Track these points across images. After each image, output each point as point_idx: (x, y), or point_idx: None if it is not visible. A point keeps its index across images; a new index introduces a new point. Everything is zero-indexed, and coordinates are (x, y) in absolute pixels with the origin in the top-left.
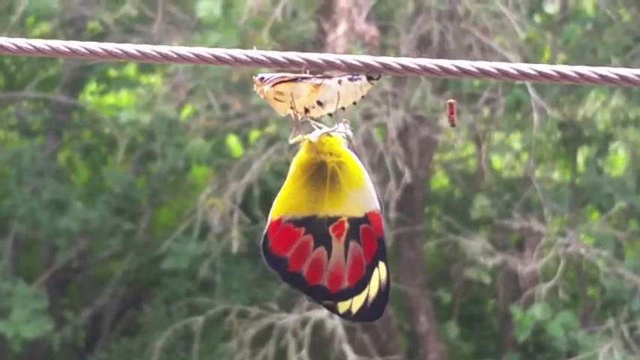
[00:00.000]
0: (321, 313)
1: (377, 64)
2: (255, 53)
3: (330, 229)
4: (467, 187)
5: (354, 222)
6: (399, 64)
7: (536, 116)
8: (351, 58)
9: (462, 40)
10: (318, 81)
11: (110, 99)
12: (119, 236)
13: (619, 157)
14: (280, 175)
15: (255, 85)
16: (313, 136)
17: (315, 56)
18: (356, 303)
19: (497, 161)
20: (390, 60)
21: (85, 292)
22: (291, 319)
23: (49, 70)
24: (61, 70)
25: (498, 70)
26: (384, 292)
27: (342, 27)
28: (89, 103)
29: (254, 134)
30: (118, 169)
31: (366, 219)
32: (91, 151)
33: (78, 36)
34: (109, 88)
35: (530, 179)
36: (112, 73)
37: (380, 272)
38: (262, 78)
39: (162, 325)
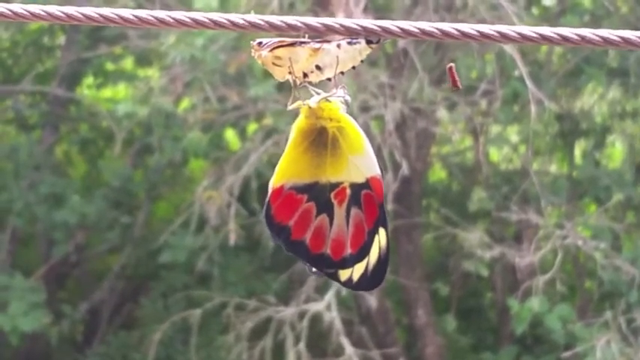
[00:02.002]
0: (319, 305)
1: (376, 28)
2: (253, 17)
3: (332, 195)
4: (464, 180)
5: (356, 188)
6: (399, 28)
7: (533, 108)
8: (350, 22)
9: None
10: (317, 45)
11: (107, 92)
12: (117, 230)
13: (616, 150)
14: None
15: (253, 50)
16: (312, 102)
17: (313, 20)
18: (357, 271)
19: (495, 154)
20: (389, 23)
21: (83, 285)
22: (288, 312)
23: (46, 63)
24: (58, 63)
25: (499, 32)
26: (384, 259)
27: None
28: (86, 97)
29: (251, 127)
30: (116, 163)
31: (367, 184)
32: (88, 144)
33: (75, 28)
34: (106, 81)
35: (528, 171)
36: (110, 66)
37: (380, 239)
38: (260, 43)
39: (160, 318)
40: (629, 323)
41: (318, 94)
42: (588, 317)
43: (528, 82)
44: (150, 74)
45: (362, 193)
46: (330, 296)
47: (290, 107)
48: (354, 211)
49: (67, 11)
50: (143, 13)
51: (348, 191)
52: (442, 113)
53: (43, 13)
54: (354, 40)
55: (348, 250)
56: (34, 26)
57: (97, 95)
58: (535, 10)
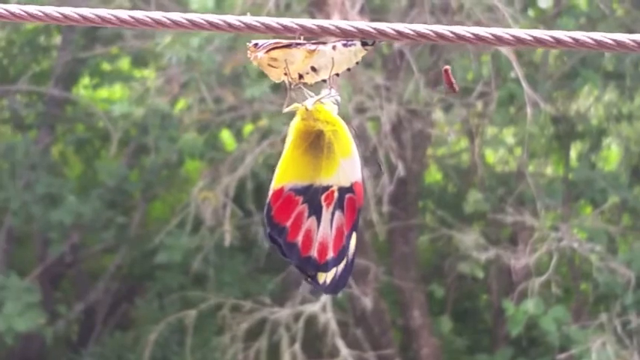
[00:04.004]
0: (314, 307)
1: (371, 30)
2: (249, 19)
3: (322, 198)
4: (460, 182)
5: (342, 191)
6: (394, 30)
7: (529, 110)
8: (345, 24)
9: None
10: (312, 47)
11: (104, 93)
12: (112, 230)
13: (612, 152)
14: (273, 169)
15: (249, 52)
16: (309, 104)
17: (309, 22)
18: (330, 274)
19: (491, 156)
20: (385, 26)
21: (78, 285)
22: (284, 313)
23: (42, 63)
24: (54, 63)
25: (493, 35)
26: (350, 264)
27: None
28: (82, 97)
29: (247, 128)
30: (111, 163)
31: (351, 188)
32: (84, 144)
33: (71, 28)
34: (103, 81)
35: (524, 174)
36: (106, 66)
37: (351, 243)
38: (256, 44)
39: (156, 318)
40: (624, 325)
41: (311, 96)
42: (583, 319)
43: (524, 84)
44: (146, 75)
45: (346, 197)
46: (325, 298)
47: (286, 109)
48: (337, 214)
49: (64, 12)
50: (139, 14)
51: (336, 194)
52: (438, 115)
53: (40, 13)
54: (349, 42)
55: (331, 254)
56: (30, 26)
57: (93, 95)
58: (531, 12)
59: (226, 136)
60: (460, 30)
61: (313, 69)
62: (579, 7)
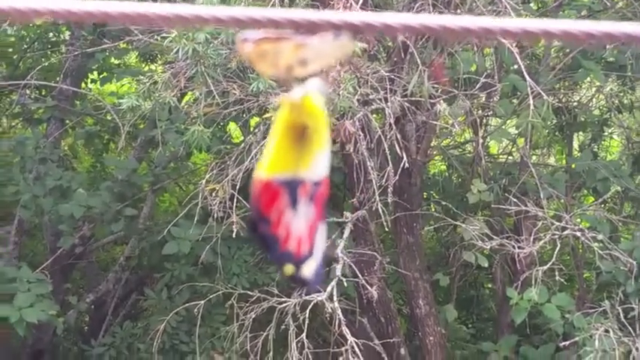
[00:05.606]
0: (321, 296)
1: (360, 23)
2: (239, 12)
3: (300, 191)
4: (464, 172)
5: (314, 185)
6: (381, 23)
7: (532, 102)
8: (334, 17)
9: None
10: (301, 40)
11: (112, 87)
12: (122, 222)
13: (614, 142)
14: None
15: (238, 45)
16: (296, 96)
17: (297, 15)
18: (307, 269)
19: (494, 146)
20: (372, 18)
21: (89, 277)
22: (291, 302)
23: (52, 58)
24: (63, 58)
25: (481, 27)
26: (321, 259)
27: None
28: (91, 91)
29: (254, 120)
30: (120, 156)
31: (320, 182)
32: (93, 138)
33: (80, 23)
34: (111, 76)
35: (527, 164)
36: (114, 61)
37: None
38: (245, 38)
39: (165, 309)
40: (626, 313)
41: (299, 87)
42: (586, 307)
43: (527, 76)
44: (154, 69)
45: (316, 191)
46: (331, 287)
47: (274, 101)
48: (309, 208)
49: (71, 7)
50: (143, 7)
51: (310, 188)
52: (442, 106)
53: (47, 10)
54: (338, 35)
55: (306, 247)
56: (39, 21)
57: (101, 90)
58: (533, 5)
59: (233, 128)
60: (467, 22)
61: (302, 62)
62: None
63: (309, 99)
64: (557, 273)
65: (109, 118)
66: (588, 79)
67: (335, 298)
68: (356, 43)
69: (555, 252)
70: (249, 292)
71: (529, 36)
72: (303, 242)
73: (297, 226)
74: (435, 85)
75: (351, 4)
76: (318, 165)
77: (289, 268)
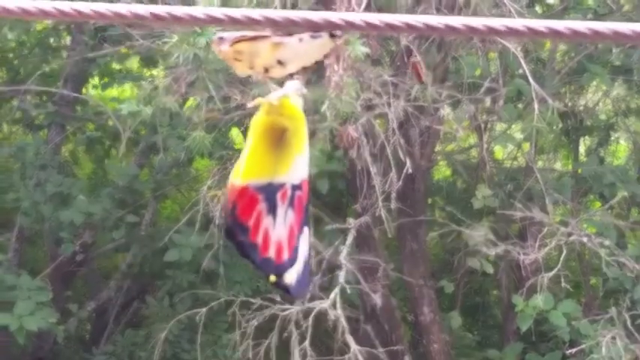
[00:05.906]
0: (324, 304)
1: (340, 22)
2: (216, 11)
3: (279, 196)
4: (469, 178)
5: (293, 189)
6: (364, 22)
7: (537, 106)
8: (313, 16)
9: None
10: (278, 39)
11: (113, 92)
12: (123, 229)
13: (621, 147)
14: None
15: (214, 45)
16: (274, 98)
17: (275, 14)
18: (291, 275)
19: (499, 151)
20: (355, 17)
21: (89, 284)
22: (293, 310)
23: (52, 63)
24: (64, 63)
25: (486, 27)
26: (307, 263)
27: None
28: (92, 97)
29: None
30: (121, 162)
31: (299, 186)
32: (94, 144)
33: (80, 28)
34: (112, 81)
35: (532, 169)
36: (115, 66)
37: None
38: (221, 38)
39: (166, 316)
40: (633, 320)
41: (276, 89)
42: (593, 314)
43: (532, 81)
44: (155, 74)
45: (295, 195)
46: (335, 294)
47: (251, 104)
48: (289, 213)
49: (78, 7)
50: (141, 9)
51: (289, 192)
52: (446, 111)
53: (53, 10)
54: (317, 34)
55: (286, 254)
56: (39, 26)
57: (102, 95)
58: (538, 8)
59: (235, 134)
60: (474, 22)
61: (280, 62)
62: (587, 1)
63: (288, 100)
64: (563, 279)
65: (110, 123)
66: (594, 83)
67: (338, 306)
68: (359, 47)
69: (561, 258)
70: (251, 300)
71: (536, 35)
72: (284, 248)
73: (277, 232)
74: (441, 89)
75: (353, 8)
76: (297, 168)
77: (272, 276)
